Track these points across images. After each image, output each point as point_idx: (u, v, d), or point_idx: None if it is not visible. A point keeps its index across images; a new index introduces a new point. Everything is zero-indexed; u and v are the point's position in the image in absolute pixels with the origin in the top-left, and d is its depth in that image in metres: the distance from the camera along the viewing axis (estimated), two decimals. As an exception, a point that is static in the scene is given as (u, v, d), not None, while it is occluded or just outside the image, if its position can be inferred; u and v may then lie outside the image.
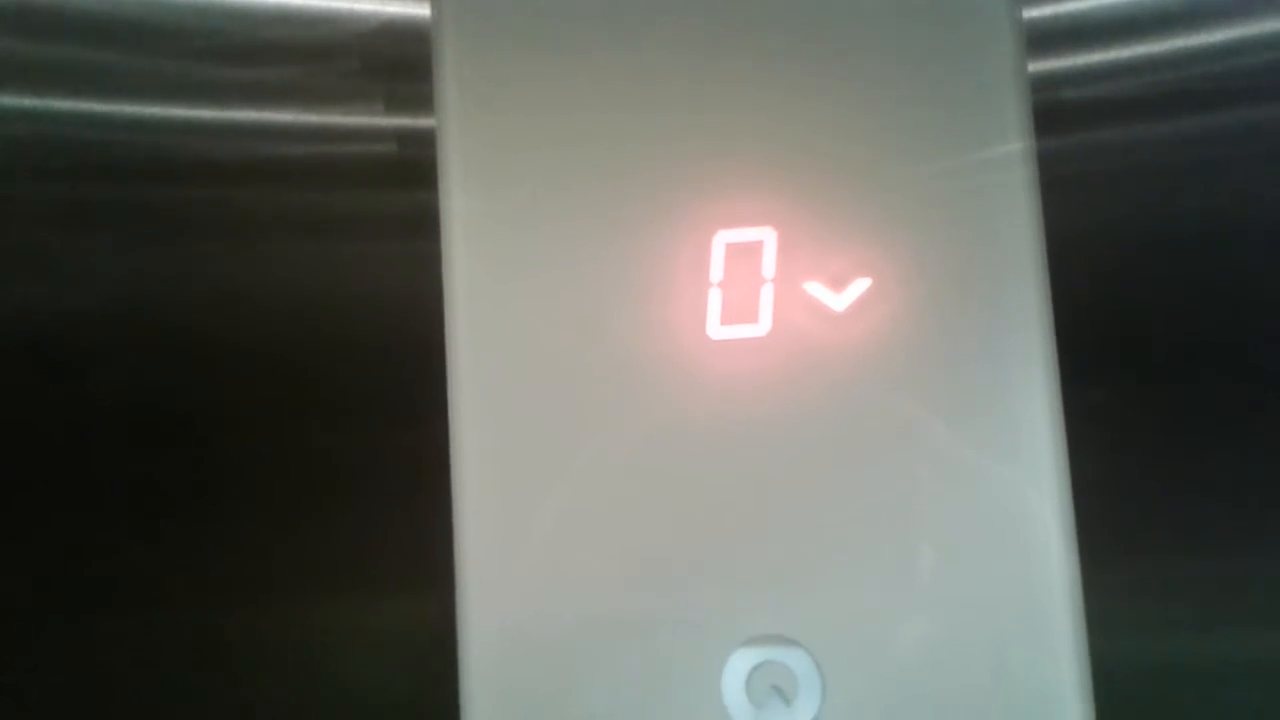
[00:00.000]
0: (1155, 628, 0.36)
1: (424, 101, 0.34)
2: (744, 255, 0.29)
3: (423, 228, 0.31)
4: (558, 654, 0.28)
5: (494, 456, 0.29)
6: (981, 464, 0.28)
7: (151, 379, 0.40)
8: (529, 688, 0.28)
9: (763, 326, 0.29)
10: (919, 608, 0.28)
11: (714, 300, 0.29)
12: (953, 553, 0.28)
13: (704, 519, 0.28)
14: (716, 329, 0.29)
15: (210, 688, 0.38)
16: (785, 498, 0.28)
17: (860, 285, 0.29)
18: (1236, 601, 0.36)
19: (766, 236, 0.29)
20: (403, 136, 0.41)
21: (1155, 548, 0.36)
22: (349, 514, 0.38)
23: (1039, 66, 0.38)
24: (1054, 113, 0.36)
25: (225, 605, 0.38)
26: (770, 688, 0.28)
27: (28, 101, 0.40)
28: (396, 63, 0.40)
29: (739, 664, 0.28)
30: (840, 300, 0.29)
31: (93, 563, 0.39)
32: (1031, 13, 0.38)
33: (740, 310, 0.29)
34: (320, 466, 0.39)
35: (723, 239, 0.29)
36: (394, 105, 0.40)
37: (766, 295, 0.29)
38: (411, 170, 0.40)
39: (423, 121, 0.40)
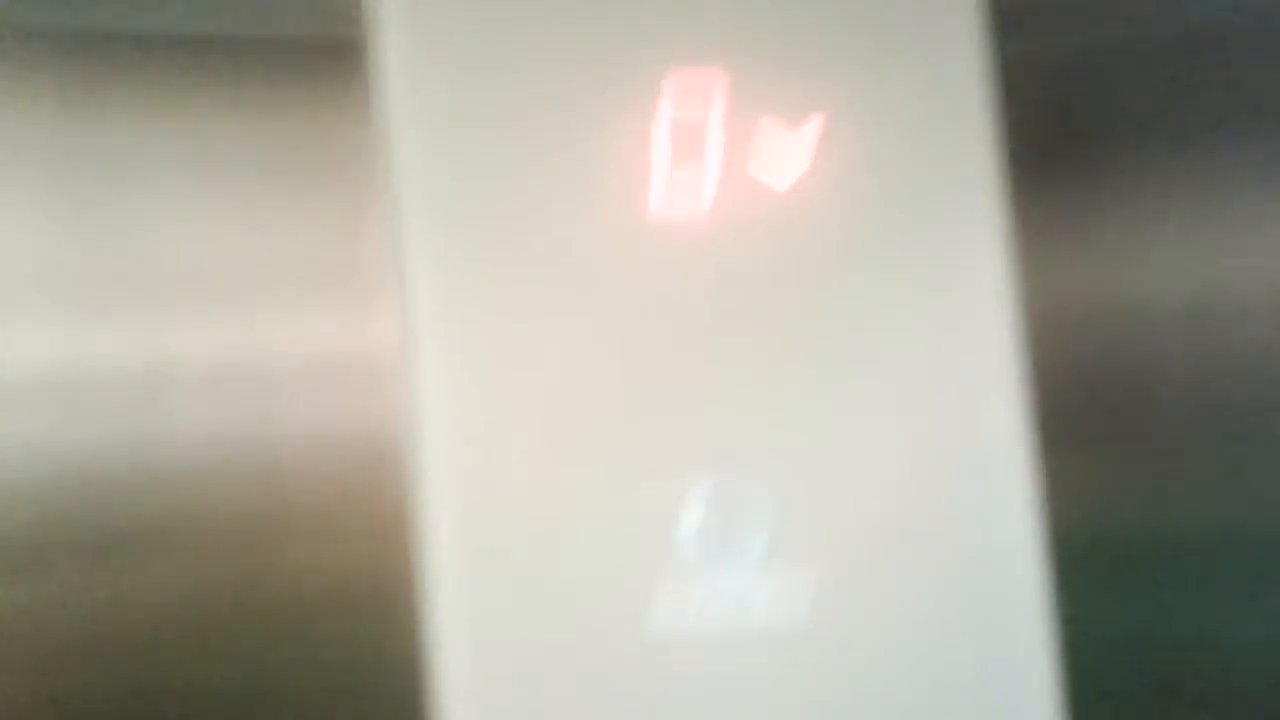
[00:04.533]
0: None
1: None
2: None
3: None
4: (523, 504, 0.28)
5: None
6: (929, 306, 0.29)
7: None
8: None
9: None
10: (870, 446, 0.29)
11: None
12: (900, 394, 0.29)
13: (655, 364, 0.29)
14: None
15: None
16: (741, 345, 0.29)
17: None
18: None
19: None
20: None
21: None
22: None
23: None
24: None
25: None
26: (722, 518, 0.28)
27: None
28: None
29: (694, 500, 0.28)
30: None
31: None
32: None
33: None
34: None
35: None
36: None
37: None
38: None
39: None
